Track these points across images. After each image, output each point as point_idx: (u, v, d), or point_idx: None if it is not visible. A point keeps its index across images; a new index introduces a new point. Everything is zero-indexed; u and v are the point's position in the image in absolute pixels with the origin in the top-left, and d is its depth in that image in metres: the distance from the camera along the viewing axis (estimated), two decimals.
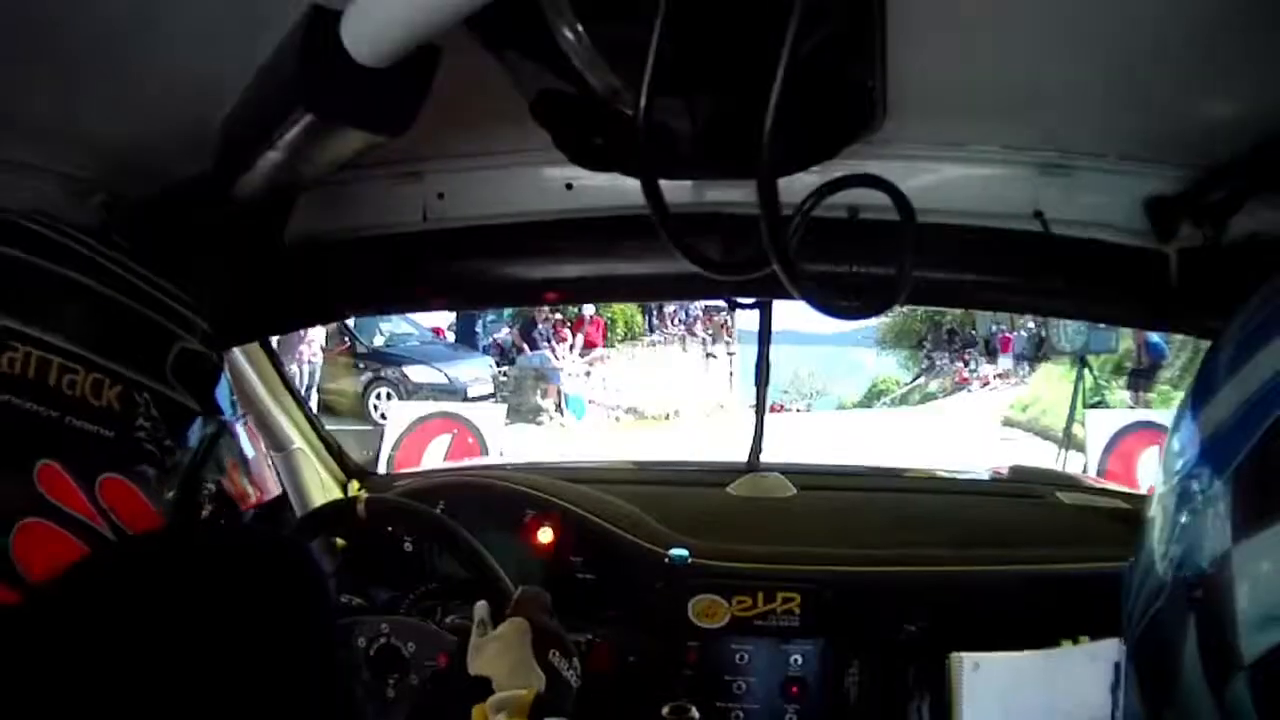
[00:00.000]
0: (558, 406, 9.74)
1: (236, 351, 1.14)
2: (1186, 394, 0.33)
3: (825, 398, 14.38)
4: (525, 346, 10.18)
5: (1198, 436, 0.29)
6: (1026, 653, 0.94)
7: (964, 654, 0.98)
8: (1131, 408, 7.90)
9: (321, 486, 1.34)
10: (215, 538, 0.61)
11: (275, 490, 0.75)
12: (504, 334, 10.85)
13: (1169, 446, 0.31)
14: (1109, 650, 0.76)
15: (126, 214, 0.83)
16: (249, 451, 0.65)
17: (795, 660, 1.15)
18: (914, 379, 15.19)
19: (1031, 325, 12.17)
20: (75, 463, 0.52)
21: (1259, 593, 0.24)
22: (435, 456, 4.13)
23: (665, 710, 0.94)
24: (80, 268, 0.55)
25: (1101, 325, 5.00)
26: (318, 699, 0.55)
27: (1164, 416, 4.94)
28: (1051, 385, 10.17)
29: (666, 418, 11.15)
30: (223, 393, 0.64)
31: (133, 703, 0.48)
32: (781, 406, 12.41)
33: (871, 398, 14.73)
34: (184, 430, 0.59)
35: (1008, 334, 13.26)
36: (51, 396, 0.52)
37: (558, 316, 10.51)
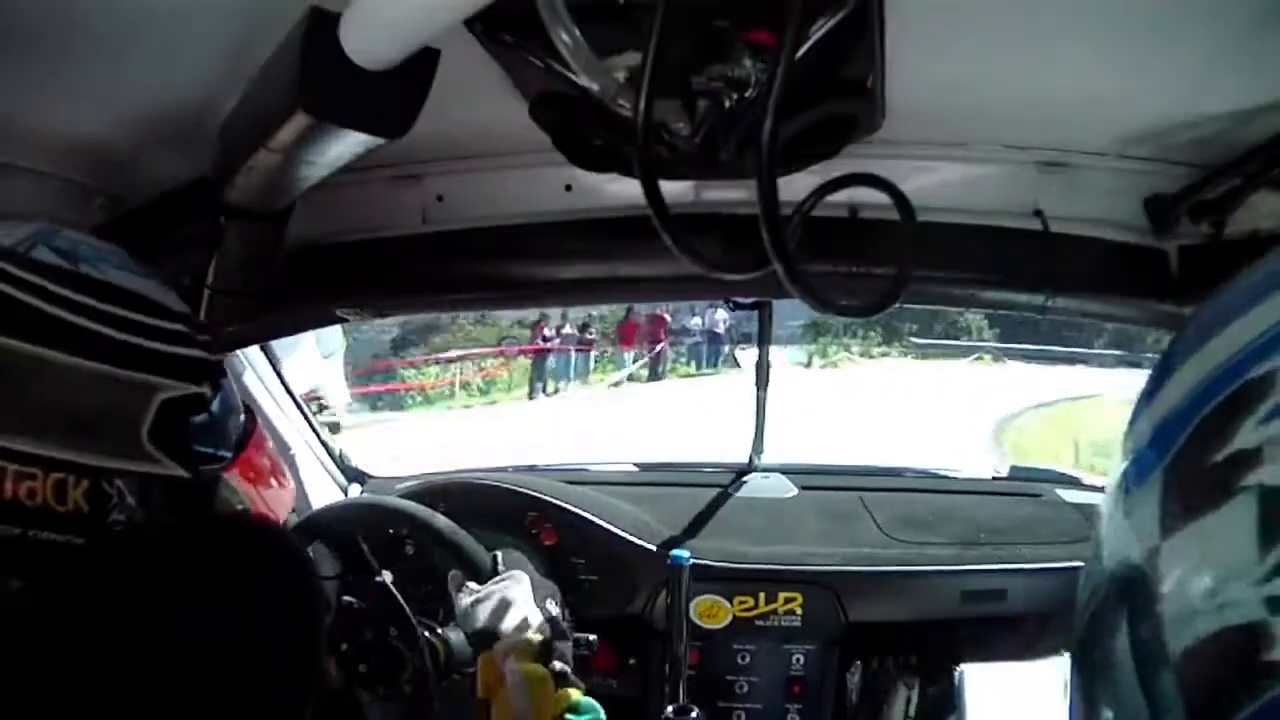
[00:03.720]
0: None
1: (237, 355, 1.14)
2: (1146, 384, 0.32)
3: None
4: None
5: (1145, 427, 0.28)
6: (1035, 663, 0.93)
7: (971, 665, 0.96)
8: None
9: (321, 490, 1.34)
10: (210, 532, 0.60)
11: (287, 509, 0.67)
12: None
13: (1123, 442, 0.30)
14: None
15: (125, 218, 0.83)
16: (245, 495, 0.57)
17: (797, 660, 1.15)
18: None
19: None
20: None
21: (1184, 589, 0.24)
22: None
23: (668, 710, 0.94)
24: (26, 332, 0.44)
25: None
26: (309, 692, 0.55)
27: None
28: None
29: None
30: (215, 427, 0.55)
31: (130, 699, 0.48)
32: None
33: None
34: (168, 507, 0.51)
35: None
36: (7, 511, 0.44)
37: None
